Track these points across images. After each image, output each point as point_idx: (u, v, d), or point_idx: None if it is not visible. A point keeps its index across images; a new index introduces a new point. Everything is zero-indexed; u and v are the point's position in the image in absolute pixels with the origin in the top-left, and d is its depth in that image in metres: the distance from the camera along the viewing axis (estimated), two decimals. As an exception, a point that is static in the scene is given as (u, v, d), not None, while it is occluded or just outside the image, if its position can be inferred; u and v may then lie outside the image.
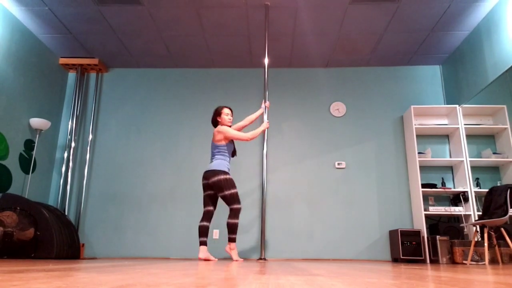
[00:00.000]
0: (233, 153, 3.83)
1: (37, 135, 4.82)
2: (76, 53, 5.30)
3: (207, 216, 3.65)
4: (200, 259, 3.44)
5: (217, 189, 3.59)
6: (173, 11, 4.38)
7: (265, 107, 4.13)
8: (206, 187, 3.69)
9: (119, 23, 4.61)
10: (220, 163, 3.64)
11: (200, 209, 4.99)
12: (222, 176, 3.57)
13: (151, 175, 5.18)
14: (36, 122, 4.69)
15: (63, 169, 5.14)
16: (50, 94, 5.20)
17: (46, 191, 5.08)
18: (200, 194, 5.05)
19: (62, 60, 5.36)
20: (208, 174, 3.62)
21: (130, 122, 5.42)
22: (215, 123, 3.87)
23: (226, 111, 3.83)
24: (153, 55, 5.31)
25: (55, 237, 3.90)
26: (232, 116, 3.87)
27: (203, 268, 2.08)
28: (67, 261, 2.98)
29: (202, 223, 3.62)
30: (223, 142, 3.71)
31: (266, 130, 4.21)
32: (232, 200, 3.58)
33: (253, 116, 4.06)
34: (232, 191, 3.58)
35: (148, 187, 5.12)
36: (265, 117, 4.15)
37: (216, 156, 3.69)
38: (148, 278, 1.22)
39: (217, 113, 3.84)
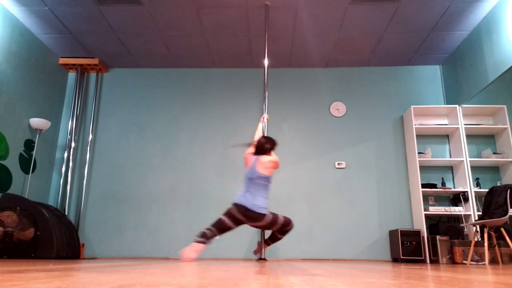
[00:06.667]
0: None
1: (37, 135, 4.82)
2: (76, 53, 5.30)
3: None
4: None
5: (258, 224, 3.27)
6: (173, 11, 4.38)
7: (266, 119, 3.98)
8: (238, 221, 3.21)
9: (119, 23, 4.61)
10: (267, 203, 3.24)
11: (200, 209, 4.99)
12: (267, 218, 3.22)
13: (151, 175, 5.17)
14: (36, 122, 4.69)
15: (63, 169, 5.14)
16: (50, 94, 5.20)
17: (46, 191, 5.08)
18: (200, 194, 5.05)
19: (62, 60, 5.36)
20: (251, 215, 3.15)
21: (130, 122, 5.42)
22: (265, 151, 3.40)
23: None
24: (153, 55, 5.30)
25: (55, 237, 3.90)
26: None
27: (203, 268, 2.08)
28: (67, 261, 2.98)
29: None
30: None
31: (265, 122, 4.02)
32: (276, 222, 3.28)
33: (259, 132, 3.82)
34: (278, 218, 3.29)
35: (148, 187, 5.12)
36: (265, 129, 4.17)
37: (262, 193, 3.23)
38: (148, 278, 1.22)
39: (274, 144, 3.46)
